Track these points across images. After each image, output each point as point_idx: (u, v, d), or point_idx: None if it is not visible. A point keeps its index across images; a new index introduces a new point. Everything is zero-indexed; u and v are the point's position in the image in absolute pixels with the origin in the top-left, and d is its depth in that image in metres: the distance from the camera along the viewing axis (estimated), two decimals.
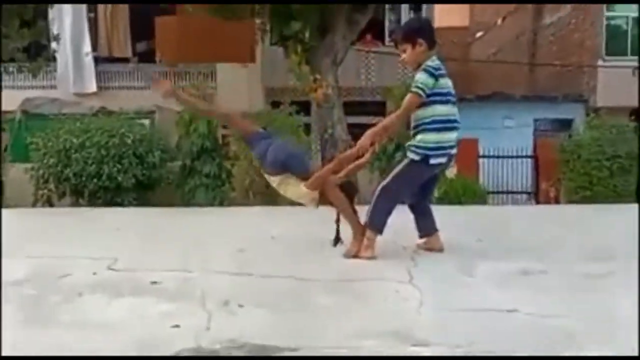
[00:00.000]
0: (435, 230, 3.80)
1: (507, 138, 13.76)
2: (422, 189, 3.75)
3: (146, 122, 10.18)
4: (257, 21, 12.54)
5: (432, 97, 3.48)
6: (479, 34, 25.14)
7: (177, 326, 2.12)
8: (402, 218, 3.50)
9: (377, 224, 3.53)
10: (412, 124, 3.65)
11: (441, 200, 8.71)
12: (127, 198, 8.36)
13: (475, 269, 3.12)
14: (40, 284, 2.82)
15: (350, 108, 11.17)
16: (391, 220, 3.54)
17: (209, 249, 3.56)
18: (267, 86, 15.43)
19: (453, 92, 3.66)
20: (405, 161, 3.69)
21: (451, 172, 9.41)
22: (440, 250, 3.73)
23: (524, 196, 12.43)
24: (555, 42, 17.66)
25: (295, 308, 2.46)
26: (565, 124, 14.42)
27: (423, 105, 3.49)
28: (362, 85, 15.71)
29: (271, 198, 8.76)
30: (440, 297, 2.60)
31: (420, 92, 3.43)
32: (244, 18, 11.76)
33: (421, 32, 3.59)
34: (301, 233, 4.14)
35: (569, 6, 16.45)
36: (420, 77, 3.45)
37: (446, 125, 3.55)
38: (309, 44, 9.83)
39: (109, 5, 15.23)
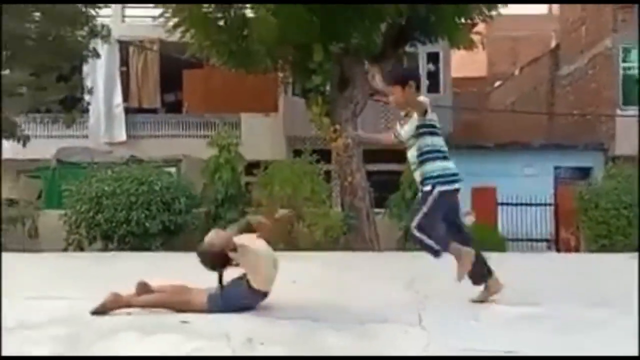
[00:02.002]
0: (490, 272, 3.70)
1: (527, 186, 13.85)
2: (448, 226, 3.70)
3: (173, 170, 10.63)
4: (280, 74, 13.18)
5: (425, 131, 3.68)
6: (497, 84, 25.60)
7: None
8: (418, 263, 3.70)
9: (443, 248, 3.56)
10: (414, 160, 3.76)
11: None
12: (154, 243, 8.72)
13: (482, 313, 3.30)
14: (76, 323, 3.08)
15: (370, 156, 11.50)
16: (408, 265, 3.73)
17: None
18: (289, 135, 15.92)
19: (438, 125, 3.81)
20: (423, 196, 3.68)
21: (469, 219, 9.59)
22: (498, 290, 3.64)
23: (544, 244, 12.43)
24: (573, 92, 17.93)
25: (309, 347, 2.66)
26: (585, 172, 14.50)
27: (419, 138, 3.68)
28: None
29: (292, 244, 9.05)
30: (446, 339, 2.79)
31: (402, 140, 3.75)
32: (265, 72, 12.35)
33: (412, 77, 3.78)
34: (319, 277, 4.37)
35: (585, 57, 16.79)
36: (409, 130, 3.73)
37: (444, 154, 3.71)
38: (329, 97, 10.30)
39: (141, 59, 16.07)
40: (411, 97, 3.70)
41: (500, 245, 8.88)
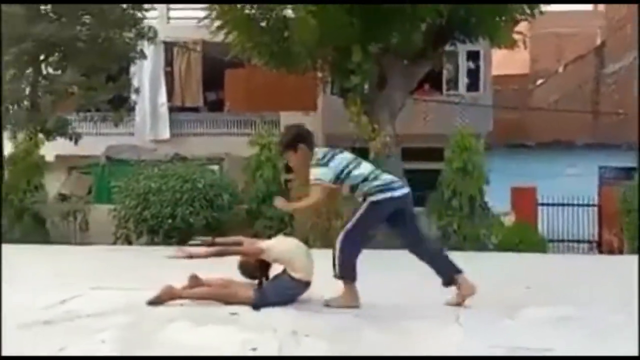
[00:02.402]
0: (458, 272, 3.72)
1: (570, 186, 13.62)
2: (402, 232, 3.80)
3: (216, 167, 10.96)
4: (319, 74, 13.35)
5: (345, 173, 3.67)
6: (539, 82, 25.10)
7: (254, 349, 2.54)
8: (456, 262, 3.79)
9: (342, 274, 3.67)
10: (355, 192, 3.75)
11: (498, 248, 8.85)
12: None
13: (517, 313, 3.38)
14: (135, 312, 3.33)
15: (408, 154, 11.55)
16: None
17: None
18: (327, 133, 16.09)
19: (350, 157, 3.78)
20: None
21: (509, 219, 9.55)
22: (473, 292, 3.65)
23: (586, 245, 12.23)
24: (618, 91, 17.48)
25: (352, 342, 2.82)
26: (629, 172, 14.15)
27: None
28: (421, 133, 16.08)
29: (330, 241, 9.22)
30: (481, 336, 2.90)
31: (321, 182, 3.62)
32: (305, 72, 12.53)
33: (300, 138, 3.78)
34: (359, 275, 4.50)
35: (631, 56, 16.35)
36: (314, 172, 3.64)
37: (376, 173, 3.74)
38: (367, 96, 10.40)
39: (184, 60, 16.53)
40: (306, 156, 3.73)
41: (540, 246, 8.81)
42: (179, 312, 3.28)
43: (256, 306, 3.43)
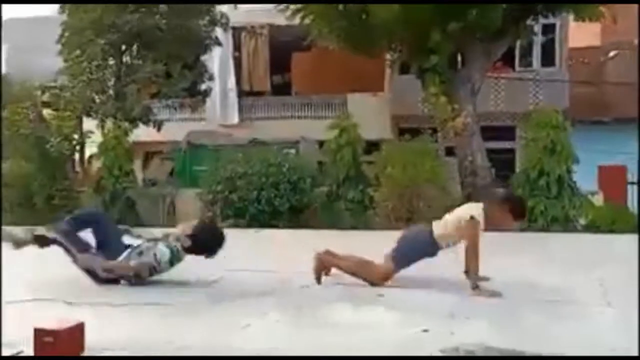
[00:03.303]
0: None
1: None
2: None
3: (292, 151, 11.11)
4: (388, 55, 13.22)
5: None
6: (611, 54, 23.92)
7: (426, 330, 2.62)
8: (578, 245, 3.78)
9: None
10: None
11: (587, 229, 8.61)
12: (282, 221, 9.24)
13: None
14: (292, 293, 3.49)
15: (484, 134, 11.34)
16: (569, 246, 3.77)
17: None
18: (394, 114, 16.00)
19: None
20: None
21: (597, 199, 9.26)
22: None
23: None
24: None
25: (511, 323, 2.85)
26: None
27: None
28: (492, 110, 15.72)
29: (412, 222, 9.23)
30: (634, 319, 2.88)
31: None
32: (380, 54, 12.45)
33: None
34: (490, 258, 4.49)
35: None
36: None
37: None
38: (446, 76, 10.25)
39: (252, 44, 16.73)
40: None
41: (634, 226, 8.50)
42: (335, 293, 3.41)
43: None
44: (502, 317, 2.96)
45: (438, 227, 3.81)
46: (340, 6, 9.67)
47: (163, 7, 12.09)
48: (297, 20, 10.93)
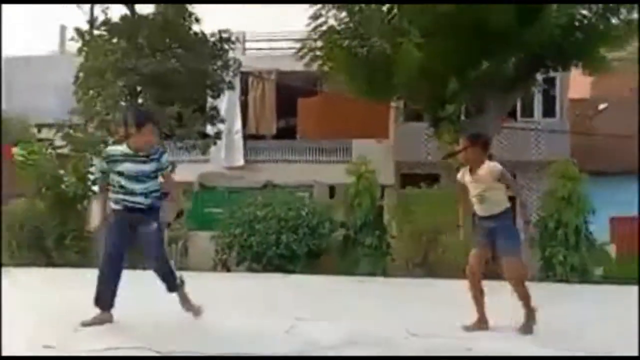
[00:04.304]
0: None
1: None
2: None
3: (306, 195, 11.13)
4: (393, 103, 13.49)
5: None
6: (601, 106, 24.63)
7: None
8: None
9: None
10: None
11: (605, 280, 8.66)
12: (299, 265, 9.18)
13: None
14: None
15: None
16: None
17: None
18: (398, 160, 16.19)
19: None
20: None
21: (611, 249, 9.37)
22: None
23: None
24: None
25: None
26: None
27: None
28: (496, 160, 15.99)
29: (430, 270, 9.22)
30: None
31: None
32: (387, 100, 12.69)
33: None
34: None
35: None
36: None
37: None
38: (462, 125, 10.47)
39: (259, 89, 16.98)
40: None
41: None
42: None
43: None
44: None
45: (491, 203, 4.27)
46: (362, 54, 9.88)
47: (179, 50, 12.26)
48: (314, 67, 11.16)
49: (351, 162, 10.35)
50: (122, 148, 4.18)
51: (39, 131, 17.63)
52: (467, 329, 4.18)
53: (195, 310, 4.28)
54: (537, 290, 5.14)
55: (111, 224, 4.17)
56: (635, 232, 9.26)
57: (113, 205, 4.19)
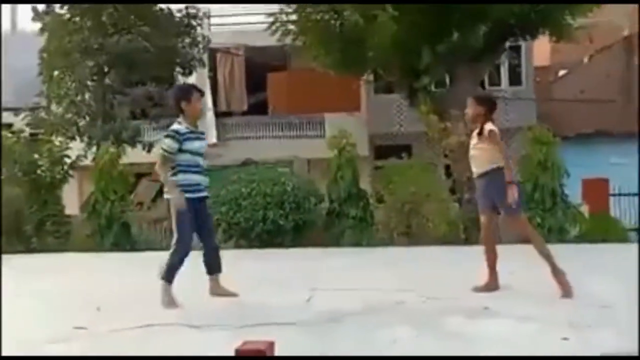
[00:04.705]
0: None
1: (616, 175, 13.83)
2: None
3: (286, 170, 11.15)
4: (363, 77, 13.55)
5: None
6: (561, 73, 25.34)
7: (566, 339, 2.80)
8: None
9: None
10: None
11: (580, 239, 9.08)
12: (286, 239, 9.27)
13: None
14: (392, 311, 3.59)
15: None
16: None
17: None
18: (371, 133, 16.36)
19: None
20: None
21: (584, 210, 9.80)
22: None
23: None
24: None
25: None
26: None
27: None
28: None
29: (413, 238, 9.48)
30: None
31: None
32: (361, 74, 12.76)
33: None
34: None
35: None
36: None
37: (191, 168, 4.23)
38: (436, 96, 10.67)
39: (227, 65, 16.74)
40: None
41: (624, 236, 9.08)
42: (431, 309, 3.52)
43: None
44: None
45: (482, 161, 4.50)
46: (337, 29, 9.90)
47: (145, 28, 11.96)
48: (286, 42, 11.11)
49: (332, 136, 10.38)
50: (183, 127, 4.22)
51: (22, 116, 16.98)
52: (477, 289, 4.38)
53: (232, 294, 4.41)
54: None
55: (186, 205, 4.13)
56: (605, 192, 9.72)
57: (182, 184, 4.17)
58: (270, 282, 5.02)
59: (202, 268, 4.38)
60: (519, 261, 4.56)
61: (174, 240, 4.21)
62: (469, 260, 5.34)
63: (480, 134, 4.53)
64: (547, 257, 4.23)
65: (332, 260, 6.67)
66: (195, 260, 4.26)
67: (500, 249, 4.49)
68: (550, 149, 9.26)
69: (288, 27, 10.74)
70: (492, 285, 4.46)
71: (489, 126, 4.51)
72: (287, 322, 3.32)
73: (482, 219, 4.57)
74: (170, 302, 4.12)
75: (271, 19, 11.15)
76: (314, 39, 10.19)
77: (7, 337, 3.14)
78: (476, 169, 4.61)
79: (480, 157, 4.52)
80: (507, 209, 4.39)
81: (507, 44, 13.52)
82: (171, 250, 4.18)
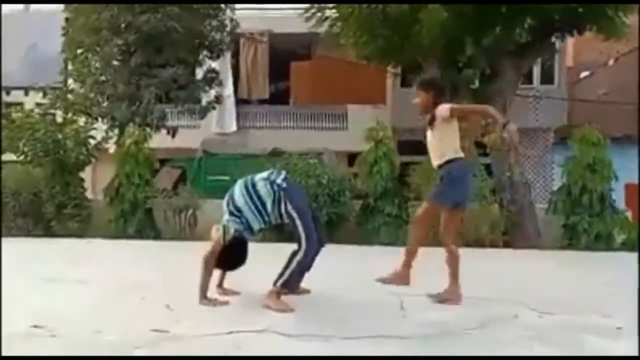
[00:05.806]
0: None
1: None
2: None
3: (316, 162, 10.72)
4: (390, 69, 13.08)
5: None
6: (583, 74, 24.86)
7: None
8: None
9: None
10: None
11: (626, 247, 8.67)
12: None
13: None
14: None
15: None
16: None
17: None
18: (396, 127, 15.91)
19: None
20: None
21: (629, 216, 9.39)
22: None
23: None
24: None
25: None
26: None
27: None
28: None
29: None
30: None
31: None
32: (400, 64, 12.29)
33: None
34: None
35: None
36: None
37: None
38: (478, 91, 10.22)
39: (251, 52, 16.28)
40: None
41: None
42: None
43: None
44: None
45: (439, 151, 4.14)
46: (381, 15, 9.42)
47: (173, 8, 11.50)
48: (323, 28, 10.65)
49: (371, 127, 9.93)
50: None
51: (8, 94, 16.56)
52: (384, 281, 4.18)
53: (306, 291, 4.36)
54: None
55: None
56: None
57: None
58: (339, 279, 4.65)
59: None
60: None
61: (303, 243, 3.95)
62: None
63: (431, 122, 4.10)
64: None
65: (374, 258, 6.25)
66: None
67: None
68: (599, 150, 8.84)
69: (325, 14, 10.27)
70: (401, 278, 4.21)
71: (440, 109, 4.07)
72: (395, 335, 2.97)
73: (424, 206, 4.29)
74: (285, 307, 3.87)
75: (307, 5, 10.68)
76: (357, 26, 9.71)
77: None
78: (433, 161, 4.27)
79: (436, 148, 4.17)
80: (435, 198, 4.15)
81: (553, 39, 13.21)
82: (298, 257, 3.96)
